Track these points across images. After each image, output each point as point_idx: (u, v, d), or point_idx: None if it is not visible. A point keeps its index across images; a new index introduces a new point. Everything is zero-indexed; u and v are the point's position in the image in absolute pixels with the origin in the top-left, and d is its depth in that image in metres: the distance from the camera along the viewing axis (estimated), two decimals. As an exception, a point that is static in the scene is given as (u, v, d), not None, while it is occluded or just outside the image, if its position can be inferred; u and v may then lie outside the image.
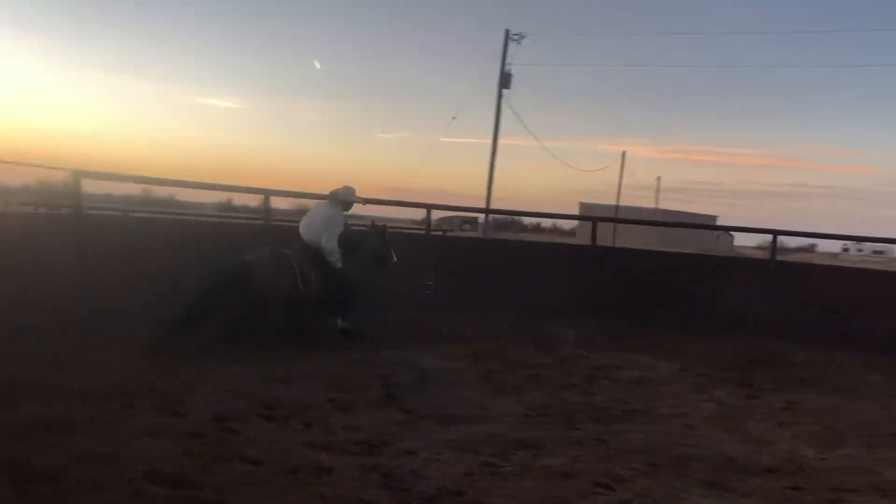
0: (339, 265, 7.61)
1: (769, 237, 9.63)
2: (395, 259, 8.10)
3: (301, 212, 9.23)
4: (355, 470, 3.96)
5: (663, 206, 56.20)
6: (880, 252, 52.67)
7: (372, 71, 72.75)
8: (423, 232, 10.69)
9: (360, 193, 8.11)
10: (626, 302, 9.09)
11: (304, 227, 7.80)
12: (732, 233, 34.83)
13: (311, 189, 9.73)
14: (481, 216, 21.23)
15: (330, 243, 7.55)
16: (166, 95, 67.26)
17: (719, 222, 40.79)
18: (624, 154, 43.07)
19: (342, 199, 7.88)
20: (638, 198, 62.01)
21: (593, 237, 9.99)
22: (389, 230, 8.50)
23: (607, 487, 3.93)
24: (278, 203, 10.52)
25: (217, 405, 4.97)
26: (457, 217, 37.44)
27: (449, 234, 16.99)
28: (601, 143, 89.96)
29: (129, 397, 4.92)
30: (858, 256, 51.35)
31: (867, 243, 44.35)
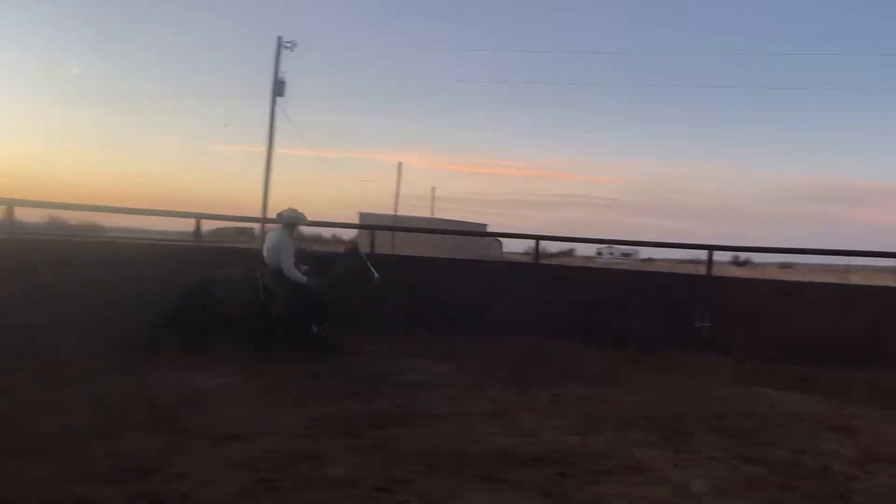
0: (304, 282, 8.01)
1: (533, 242, 10.26)
2: (378, 275, 8.23)
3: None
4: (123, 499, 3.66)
5: (438, 215, 58.26)
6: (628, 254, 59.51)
7: (133, 77, 66.26)
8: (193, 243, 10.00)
9: (301, 212, 8.32)
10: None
11: (266, 252, 8.22)
12: (501, 239, 37.05)
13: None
14: (258, 226, 20.21)
15: (288, 265, 7.93)
16: None
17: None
18: (400, 165, 44.36)
19: (286, 221, 8.21)
20: (413, 207, 63.43)
21: (371, 245, 9.96)
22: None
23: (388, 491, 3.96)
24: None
25: None
26: (232, 228, 35.92)
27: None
28: (377, 153, 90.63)
29: None
30: (610, 259, 57.21)
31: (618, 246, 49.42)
